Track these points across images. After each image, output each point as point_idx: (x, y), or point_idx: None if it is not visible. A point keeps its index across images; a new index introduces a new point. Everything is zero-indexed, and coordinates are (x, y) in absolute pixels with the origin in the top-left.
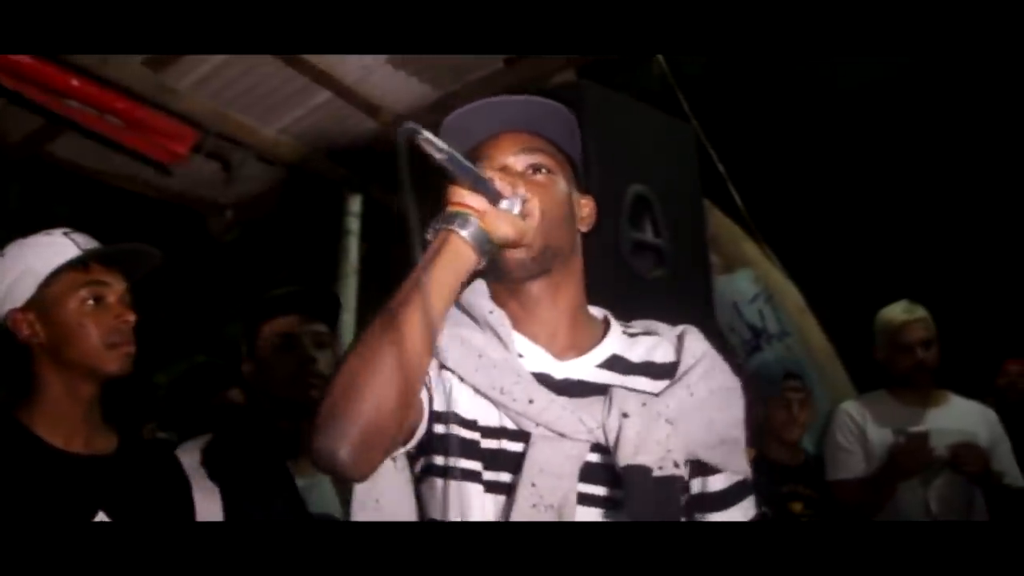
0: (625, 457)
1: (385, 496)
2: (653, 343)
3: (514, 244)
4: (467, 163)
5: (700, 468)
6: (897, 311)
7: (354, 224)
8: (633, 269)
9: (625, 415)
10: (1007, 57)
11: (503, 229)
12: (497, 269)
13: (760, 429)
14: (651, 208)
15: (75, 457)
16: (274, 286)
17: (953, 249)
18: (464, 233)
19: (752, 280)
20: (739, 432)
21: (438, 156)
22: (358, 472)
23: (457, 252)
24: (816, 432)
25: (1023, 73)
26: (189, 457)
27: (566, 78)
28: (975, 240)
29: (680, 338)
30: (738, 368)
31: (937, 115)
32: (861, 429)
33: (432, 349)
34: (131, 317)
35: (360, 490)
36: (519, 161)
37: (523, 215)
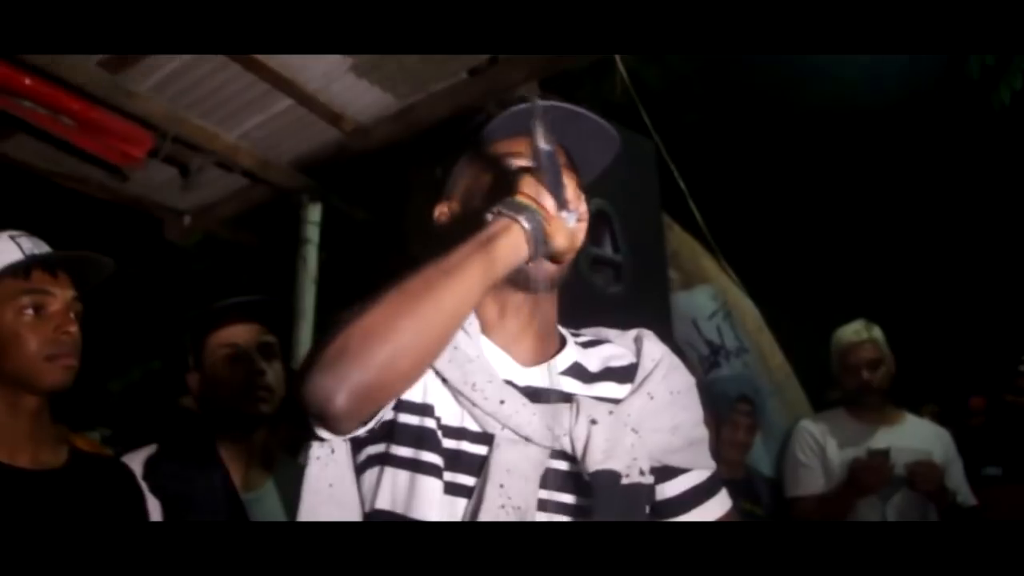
0: (595, 463)
1: (338, 481)
2: (608, 351)
3: (559, 258)
4: (558, 162)
5: (667, 471)
6: (848, 332)
7: (313, 233)
8: (591, 284)
9: (594, 422)
10: (957, 79)
11: (560, 240)
12: (522, 275)
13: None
14: (610, 223)
15: (21, 472)
16: (230, 294)
17: (912, 268)
18: (529, 228)
19: (711, 296)
20: (703, 430)
21: (541, 146)
22: (344, 423)
23: (515, 244)
24: (773, 452)
25: (974, 98)
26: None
27: (529, 90)
28: (933, 259)
29: (637, 342)
30: (692, 368)
31: (898, 136)
32: (820, 446)
33: (454, 333)
34: (73, 328)
35: (312, 475)
36: (573, 179)
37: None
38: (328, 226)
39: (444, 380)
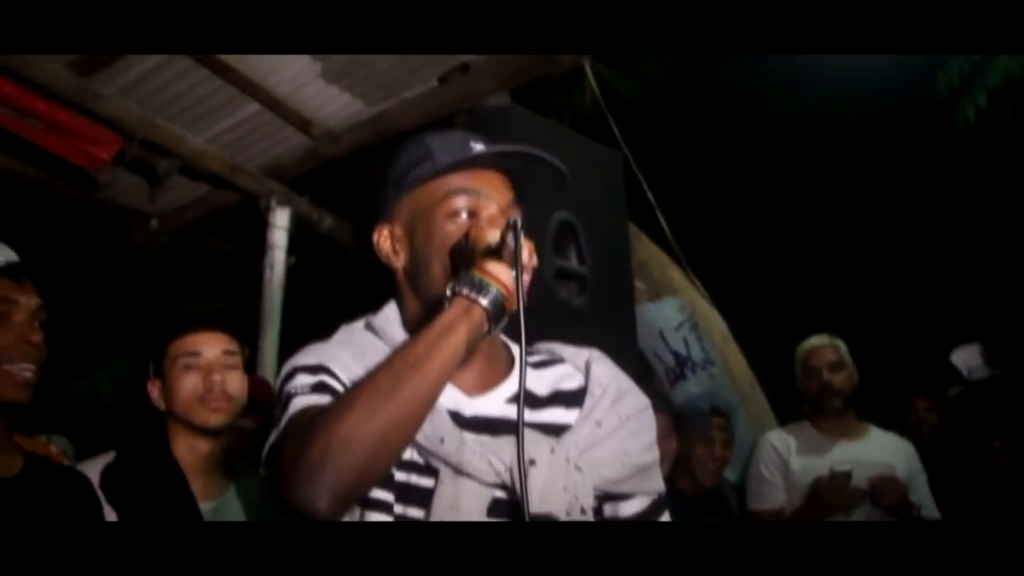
0: (531, 505)
1: None
2: (559, 373)
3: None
4: (520, 237)
5: (612, 496)
6: (811, 339)
7: (281, 238)
8: (556, 296)
9: (532, 462)
10: (925, 97)
11: (513, 306)
12: None
13: (675, 460)
14: (576, 235)
15: None
16: (197, 299)
17: (877, 282)
18: (490, 309)
19: (678, 308)
20: (653, 454)
21: (512, 246)
22: (330, 519)
23: (478, 324)
24: (739, 464)
25: (940, 116)
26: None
27: (500, 100)
28: (902, 273)
29: (587, 365)
30: (648, 388)
31: (867, 151)
32: (784, 459)
33: (427, 415)
34: (37, 338)
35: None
36: (506, 213)
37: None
38: (297, 231)
39: None
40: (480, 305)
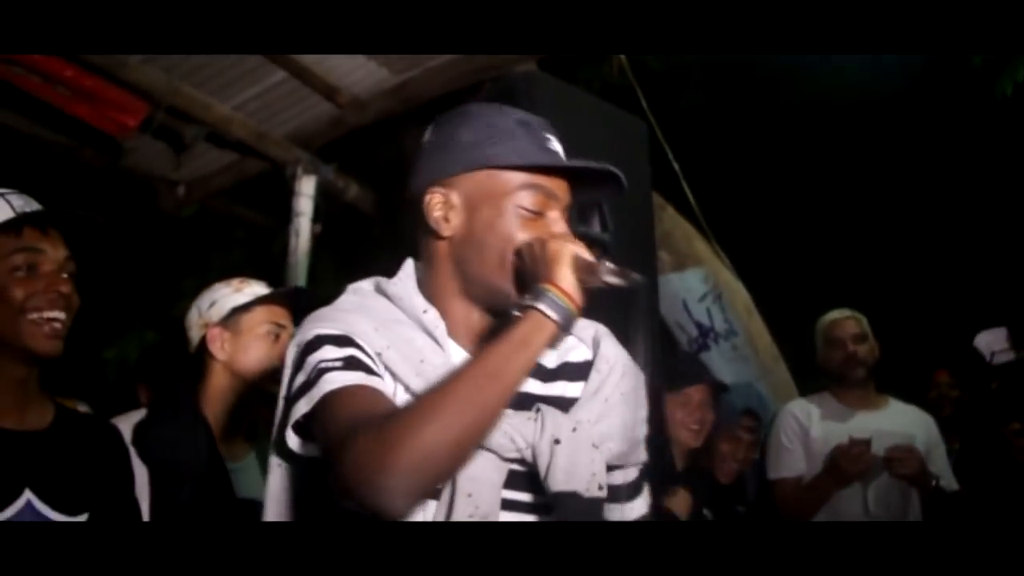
0: (557, 483)
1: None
2: (566, 344)
3: None
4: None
5: (611, 466)
6: (833, 312)
7: (307, 206)
8: None
9: (557, 441)
10: (959, 66)
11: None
12: (500, 301)
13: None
14: (599, 202)
15: (4, 433)
16: (227, 265)
17: (901, 257)
18: (564, 325)
19: (702, 279)
20: (643, 427)
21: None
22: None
23: (550, 337)
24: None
25: (974, 85)
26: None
27: (527, 68)
28: (928, 248)
29: (595, 341)
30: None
31: (897, 123)
32: (804, 428)
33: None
34: (66, 288)
35: (273, 482)
36: (565, 215)
37: None
38: (323, 200)
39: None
40: (555, 322)
